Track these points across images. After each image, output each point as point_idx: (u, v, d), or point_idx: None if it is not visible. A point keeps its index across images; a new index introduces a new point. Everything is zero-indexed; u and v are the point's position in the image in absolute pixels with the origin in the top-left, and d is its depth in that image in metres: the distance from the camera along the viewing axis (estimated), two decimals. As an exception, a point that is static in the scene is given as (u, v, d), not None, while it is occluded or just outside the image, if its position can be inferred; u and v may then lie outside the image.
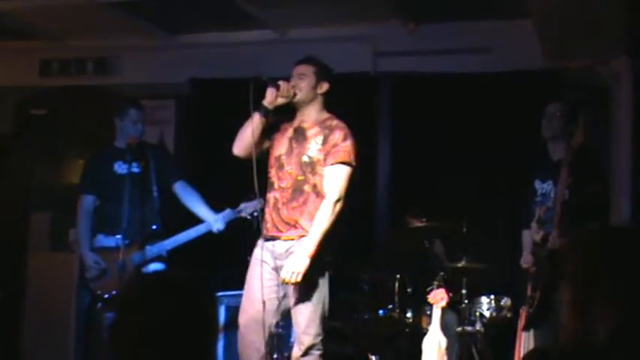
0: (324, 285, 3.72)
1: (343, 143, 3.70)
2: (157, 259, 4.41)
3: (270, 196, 3.77)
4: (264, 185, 3.82)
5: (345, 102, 5.56)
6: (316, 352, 3.70)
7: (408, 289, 4.62)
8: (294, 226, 3.70)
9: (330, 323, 4.57)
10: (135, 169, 4.39)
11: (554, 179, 4.06)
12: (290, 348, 3.86)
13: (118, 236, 4.21)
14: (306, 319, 3.65)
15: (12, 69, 6.24)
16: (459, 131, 5.41)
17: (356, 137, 5.55)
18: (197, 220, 4.43)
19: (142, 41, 6.06)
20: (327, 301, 3.73)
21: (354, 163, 3.72)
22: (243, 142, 3.76)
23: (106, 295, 4.36)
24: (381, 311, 4.53)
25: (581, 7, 4.37)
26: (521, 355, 4.18)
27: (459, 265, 4.69)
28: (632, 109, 4.95)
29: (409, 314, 4.58)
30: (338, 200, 3.64)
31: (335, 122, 3.79)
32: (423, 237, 5.06)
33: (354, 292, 4.64)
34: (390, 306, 4.51)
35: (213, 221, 4.38)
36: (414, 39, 5.61)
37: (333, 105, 5.55)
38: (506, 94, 5.33)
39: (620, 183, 4.96)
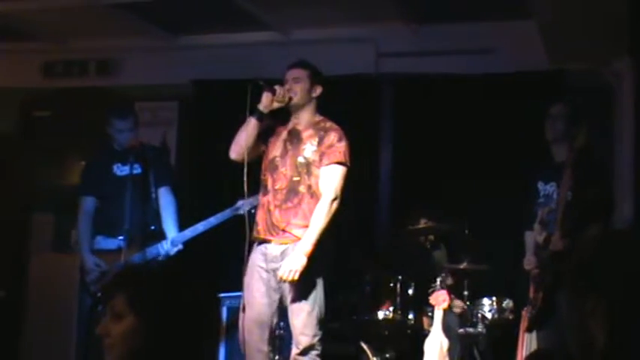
0: (320, 286, 3.74)
1: (338, 144, 3.76)
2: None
3: (264, 199, 3.81)
4: (257, 187, 3.88)
5: (347, 103, 5.60)
6: (314, 353, 3.71)
7: (410, 291, 4.60)
8: (284, 231, 3.73)
9: (331, 324, 4.59)
10: (136, 171, 4.39)
11: (557, 181, 4.06)
12: (290, 349, 3.87)
13: (119, 238, 4.21)
14: (303, 320, 3.68)
15: (15, 70, 6.26)
16: (460, 132, 5.40)
17: (357, 138, 5.60)
18: (196, 220, 4.43)
19: (145, 42, 6.07)
20: (323, 302, 3.74)
21: (348, 164, 3.77)
22: (240, 147, 3.81)
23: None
24: (382, 312, 4.51)
25: (584, 8, 4.36)
26: (523, 356, 4.17)
27: (461, 266, 4.69)
28: (635, 109, 4.93)
29: (411, 315, 4.57)
30: (334, 199, 3.69)
31: (329, 124, 3.85)
32: (425, 238, 5.07)
33: (355, 293, 4.63)
34: (392, 307, 4.50)
35: (168, 240, 4.37)
36: (416, 40, 5.61)
37: (334, 106, 5.59)
38: (508, 95, 5.32)
39: (622, 184, 4.95)
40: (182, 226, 4.48)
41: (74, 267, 4.61)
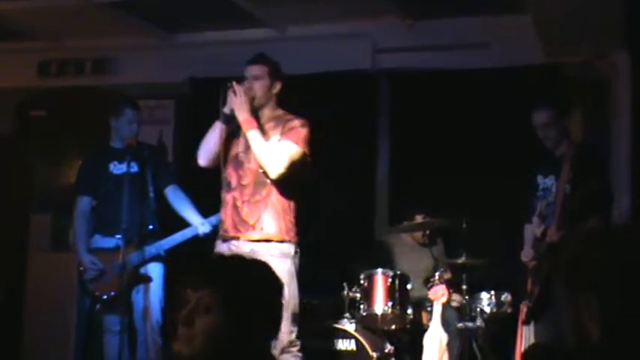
0: (292, 281, 3.69)
1: (300, 128, 3.73)
2: (155, 258, 4.41)
3: (228, 196, 3.78)
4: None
5: (344, 99, 5.61)
6: (294, 349, 3.68)
7: (408, 286, 4.61)
8: (253, 227, 3.70)
9: (330, 321, 4.60)
10: (133, 169, 4.39)
11: (556, 174, 4.07)
12: None
13: (117, 236, 4.21)
14: None
15: (10, 70, 6.24)
16: (458, 127, 5.40)
17: (354, 134, 5.62)
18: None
19: (140, 41, 6.07)
20: (296, 297, 3.71)
21: (304, 150, 3.71)
22: (210, 153, 3.80)
23: (105, 296, 4.36)
24: (381, 307, 4.52)
25: (580, 2, 4.36)
26: (522, 350, 4.18)
27: (459, 261, 4.69)
28: (631, 102, 4.94)
29: (410, 310, 4.58)
30: (280, 173, 3.65)
31: (291, 115, 3.81)
32: (423, 233, 5.08)
33: (354, 289, 4.64)
34: (391, 302, 4.51)
35: (200, 224, 4.37)
36: (412, 35, 5.61)
37: (331, 102, 5.60)
38: (505, 89, 5.32)
39: (619, 177, 4.96)
40: (177, 225, 4.48)
41: (72, 266, 4.61)
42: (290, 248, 3.73)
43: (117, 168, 4.49)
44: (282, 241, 3.72)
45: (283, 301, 3.48)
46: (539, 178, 4.24)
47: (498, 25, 5.43)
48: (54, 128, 6.23)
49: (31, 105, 6.38)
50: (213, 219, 4.32)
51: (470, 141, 5.37)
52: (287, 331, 3.64)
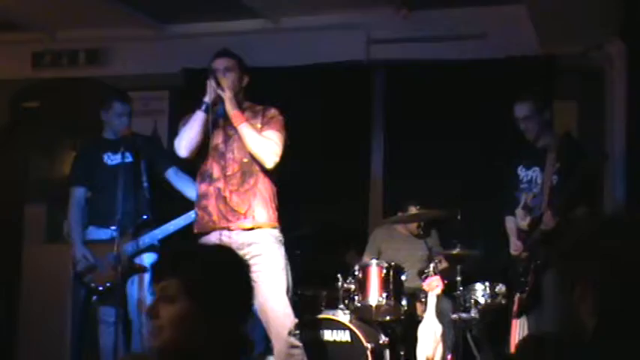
0: (287, 265, 3.76)
1: (279, 117, 3.82)
2: (150, 248, 4.41)
3: (211, 187, 3.77)
4: None
5: (339, 90, 5.60)
6: (298, 332, 3.72)
7: (403, 277, 4.61)
8: (245, 215, 3.72)
9: (325, 312, 4.61)
10: (128, 160, 4.37)
11: (540, 165, 4.06)
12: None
13: (112, 228, 4.20)
14: (283, 301, 3.68)
15: (4, 62, 6.22)
16: (452, 118, 5.40)
17: (349, 125, 5.62)
18: (187, 209, 4.42)
19: (134, 32, 6.04)
20: (290, 282, 3.76)
21: (285, 136, 3.80)
22: (193, 143, 3.77)
23: (100, 287, 4.36)
24: (375, 299, 4.52)
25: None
26: (516, 341, 4.19)
27: (454, 252, 4.69)
28: (626, 92, 4.95)
29: (404, 301, 4.58)
30: (276, 161, 3.73)
31: (260, 106, 3.89)
32: (417, 225, 5.08)
33: (348, 280, 4.64)
34: (385, 294, 4.51)
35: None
36: (407, 26, 5.60)
37: (326, 93, 5.59)
38: (500, 80, 5.32)
39: (614, 167, 4.96)
40: (171, 214, 4.47)
41: (67, 257, 4.60)
42: (280, 234, 3.80)
43: (111, 159, 4.48)
44: (273, 228, 3.78)
45: (282, 284, 3.58)
46: (521, 170, 4.22)
47: (494, 15, 5.41)
48: (48, 119, 6.21)
49: (25, 96, 6.36)
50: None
51: (465, 132, 5.36)
52: (291, 312, 3.70)
